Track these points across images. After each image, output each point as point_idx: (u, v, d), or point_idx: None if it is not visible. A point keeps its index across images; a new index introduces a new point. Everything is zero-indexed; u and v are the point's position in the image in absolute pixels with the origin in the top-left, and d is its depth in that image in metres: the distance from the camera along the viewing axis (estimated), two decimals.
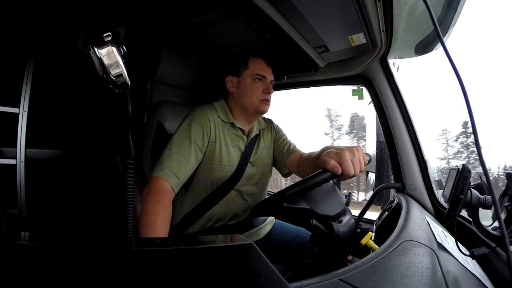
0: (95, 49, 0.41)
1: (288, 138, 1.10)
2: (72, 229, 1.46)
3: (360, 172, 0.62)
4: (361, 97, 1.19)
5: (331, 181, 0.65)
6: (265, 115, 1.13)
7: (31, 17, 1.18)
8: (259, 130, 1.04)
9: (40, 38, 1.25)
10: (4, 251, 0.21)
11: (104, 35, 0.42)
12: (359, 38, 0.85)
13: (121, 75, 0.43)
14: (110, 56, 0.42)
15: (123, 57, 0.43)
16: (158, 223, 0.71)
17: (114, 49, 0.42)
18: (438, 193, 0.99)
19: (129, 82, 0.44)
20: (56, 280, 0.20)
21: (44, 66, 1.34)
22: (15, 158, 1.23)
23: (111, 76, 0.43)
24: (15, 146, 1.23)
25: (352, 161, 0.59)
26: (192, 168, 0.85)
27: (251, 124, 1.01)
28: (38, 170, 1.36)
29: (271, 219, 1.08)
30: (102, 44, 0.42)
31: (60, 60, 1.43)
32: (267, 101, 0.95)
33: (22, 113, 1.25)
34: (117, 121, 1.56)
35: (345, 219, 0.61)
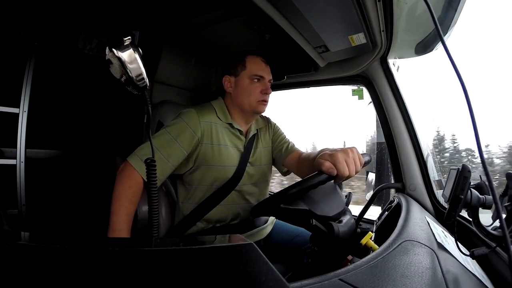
0: (115, 51, 0.42)
1: (287, 137, 1.10)
2: (72, 229, 1.46)
3: (356, 172, 0.62)
4: (361, 97, 1.19)
5: (331, 181, 0.65)
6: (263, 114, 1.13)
7: (31, 17, 1.18)
8: (257, 129, 1.04)
9: (40, 38, 1.25)
10: (4, 251, 0.21)
11: (125, 38, 0.43)
12: (359, 38, 0.85)
13: (142, 77, 0.44)
14: (131, 58, 0.42)
15: (141, 59, 0.44)
16: (127, 205, 0.77)
17: (134, 51, 0.43)
18: (438, 193, 0.99)
19: (148, 83, 0.45)
20: (56, 280, 0.20)
21: (44, 66, 1.34)
22: (15, 158, 1.23)
23: (134, 79, 0.43)
24: (15, 146, 1.23)
25: (346, 161, 0.60)
26: (173, 166, 0.84)
27: (249, 124, 1.01)
28: (38, 170, 1.36)
29: (272, 219, 1.08)
30: (122, 47, 0.42)
31: (60, 60, 1.43)
32: (265, 102, 0.94)
33: (22, 113, 1.25)
34: (117, 121, 1.56)
35: (345, 219, 0.61)
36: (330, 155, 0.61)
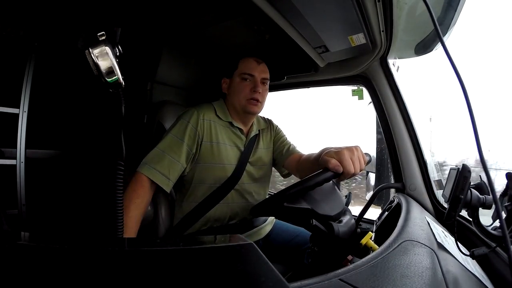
0: (89, 49, 0.41)
1: (288, 139, 1.10)
2: (72, 229, 1.46)
3: (360, 170, 0.62)
4: (361, 97, 1.19)
5: (331, 181, 0.65)
6: (265, 115, 1.13)
7: (31, 17, 1.18)
8: (259, 130, 1.04)
9: (40, 38, 1.25)
10: (4, 251, 0.21)
11: (98, 34, 0.42)
12: (359, 38, 0.85)
13: (114, 75, 0.43)
14: (103, 55, 0.42)
15: (118, 57, 0.43)
16: (131, 207, 0.76)
17: (107, 48, 0.42)
18: (438, 193, 0.99)
19: (122, 82, 0.44)
20: (56, 280, 0.20)
21: (44, 66, 1.34)
22: (15, 158, 1.23)
23: (104, 76, 0.42)
24: (15, 147, 1.23)
25: (352, 159, 0.60)
26: (183, 167, 0.87)
27: (247, 125, 1.01)
28: (38, 170, 1.36)
29: (271, 219, 1.08)
30: (96, 43, 0.42)
31: (60, 60, 1.43)
32: (255, 101, 0.92)
33: (22, 113, 1.25)
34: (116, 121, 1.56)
35: (345, 219, 0.61)
36: (336, 152, 0.61)
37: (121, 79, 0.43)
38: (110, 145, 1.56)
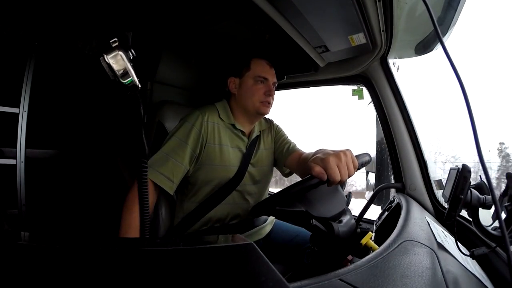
0: (104, 55, 0.43)
1: (289, 138, 1.10)
2: (73, 229, 1.46)
3: (349, 176, 0.60)
4: (361, 97, 1.20)
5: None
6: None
7: (31, 17, 1.18)
8: (260, 131, 1.05)
9: (40, 38, 1.25)
10: (4, 251, 0.21)
11: (111, 41, 0.43)
12: (359, 38, 0.85)
13: (130, 78, 0.44)
14: (118, 61, 0.43)
15: (131, 60, 0.45)
16: (135, 209, 0.75)
17: (121, 54, 0.43)
18: (438, 193, 0.99)
19: (138, 84, 0.45)
20: (56, 280, 0.20)
21: (44, 66, 1.34)
22: (15, 158, 1.23)
23: (121, 80, 0.44)
24: (15, 146, 1.23)
25: (338, 166, 0.57)
26: (186, 169, 0.87)
27: (252, 125, 1.02)
28: (38, 170, 1.36)
29: (271, 219, 1.09)
30: (109, 50, 0.43)
31: (60, 60, 1.43)
32: (268, 103, 0.95)
33: (22, 113, 1.24)
34: (118, 121, 1.56)
35: (345, 219, 0.61)
36: (322, 159, 0.58)
37: (137, 82, 0.45)
38: (111, 145, 1.56)
